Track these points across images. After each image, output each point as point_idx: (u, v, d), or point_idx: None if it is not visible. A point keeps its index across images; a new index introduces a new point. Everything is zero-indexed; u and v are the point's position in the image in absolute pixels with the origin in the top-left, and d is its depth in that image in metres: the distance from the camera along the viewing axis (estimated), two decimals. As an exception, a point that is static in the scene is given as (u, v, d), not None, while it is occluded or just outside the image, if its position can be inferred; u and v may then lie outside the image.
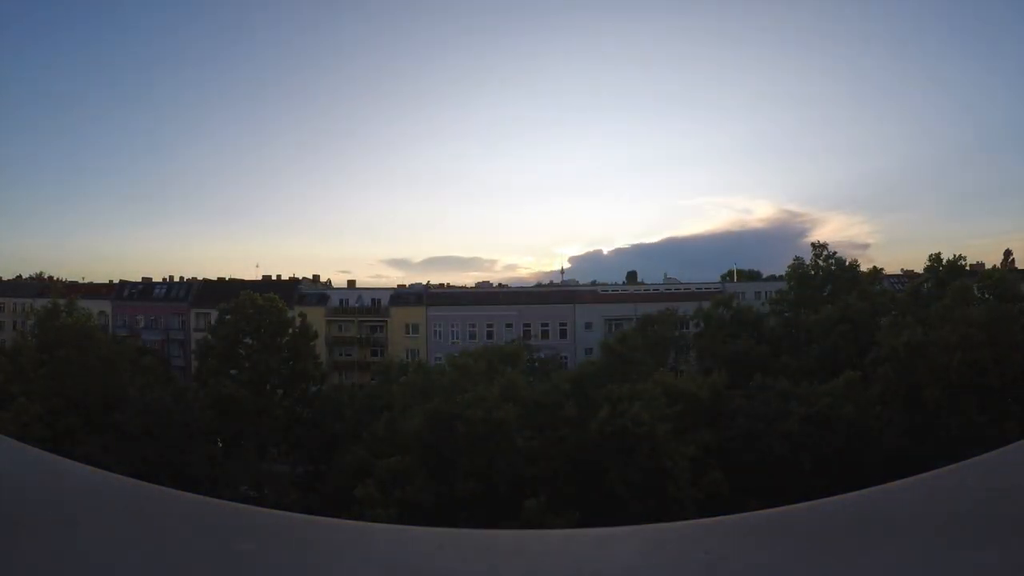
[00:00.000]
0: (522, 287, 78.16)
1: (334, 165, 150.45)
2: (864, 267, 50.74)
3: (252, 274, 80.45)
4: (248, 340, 41.67)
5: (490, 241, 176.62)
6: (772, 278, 72.59)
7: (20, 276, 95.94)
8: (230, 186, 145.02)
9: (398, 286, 76.50)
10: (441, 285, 79.35)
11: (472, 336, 62.37)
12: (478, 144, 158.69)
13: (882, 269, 53.28)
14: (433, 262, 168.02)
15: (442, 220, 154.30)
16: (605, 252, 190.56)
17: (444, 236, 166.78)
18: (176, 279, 78.73)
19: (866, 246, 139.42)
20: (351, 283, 77.83)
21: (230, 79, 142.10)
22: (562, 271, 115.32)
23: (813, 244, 50.22)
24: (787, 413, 30.48)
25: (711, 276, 76.97)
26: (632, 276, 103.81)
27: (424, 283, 78.72)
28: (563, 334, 64.74)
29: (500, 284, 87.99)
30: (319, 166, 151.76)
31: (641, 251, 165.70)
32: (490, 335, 61.19)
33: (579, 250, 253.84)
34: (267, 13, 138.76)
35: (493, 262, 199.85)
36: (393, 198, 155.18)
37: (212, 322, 46.65)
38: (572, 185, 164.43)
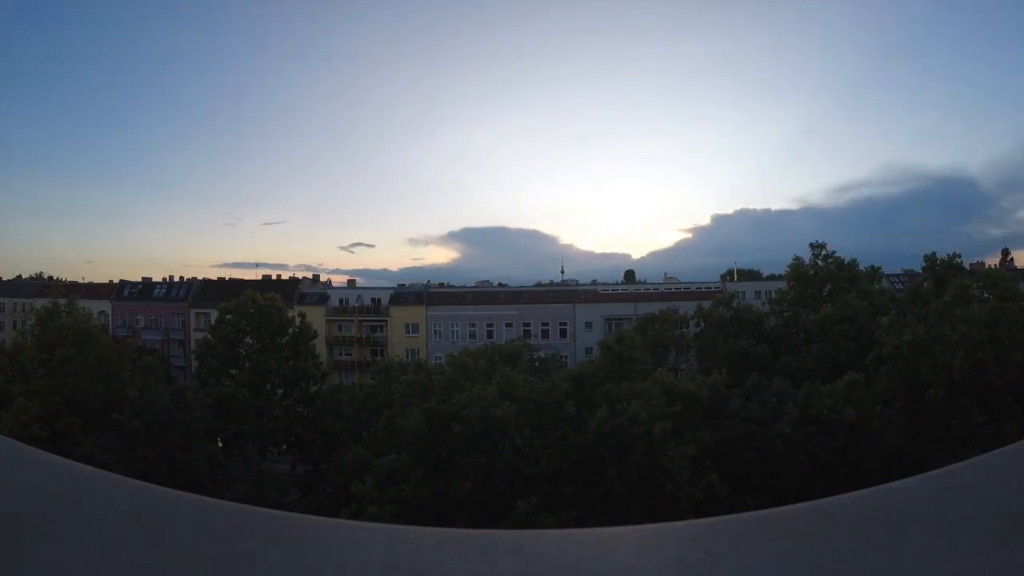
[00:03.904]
0: (522, 287, 78.12)
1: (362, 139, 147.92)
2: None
3: (252, 274, 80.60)
4: (248, 340, 41.67)
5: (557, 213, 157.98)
6: (772, 277, 72.64)
7: (20, 276, 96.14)
8: (232, 181, 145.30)
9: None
10: (441, 280, 79.29)
11: (472, 336, 62.41)
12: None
13: (880, 268, 53.01)
14: (464, 234, 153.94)
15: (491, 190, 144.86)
16: (758, 209, 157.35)
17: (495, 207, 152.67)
18: (176, 279, 78.83)
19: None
20: (351, 282, 78.00)
21: (230, 70, 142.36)
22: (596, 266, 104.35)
23: (812, 244, 50.12)
24: (781, 414, 30.45)
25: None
26: (631, 275, 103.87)
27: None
28: (563, 334, 64.78)
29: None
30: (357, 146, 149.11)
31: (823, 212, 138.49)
32: (490, 335, 61.24)
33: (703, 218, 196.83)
34: (269, 8, 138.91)
35: (553, 238, 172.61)
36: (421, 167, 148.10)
37: (212, 322, 46.63)
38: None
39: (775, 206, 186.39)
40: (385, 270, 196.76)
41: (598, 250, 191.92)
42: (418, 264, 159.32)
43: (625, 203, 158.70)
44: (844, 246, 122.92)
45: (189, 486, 23.10)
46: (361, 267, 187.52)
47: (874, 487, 1.74)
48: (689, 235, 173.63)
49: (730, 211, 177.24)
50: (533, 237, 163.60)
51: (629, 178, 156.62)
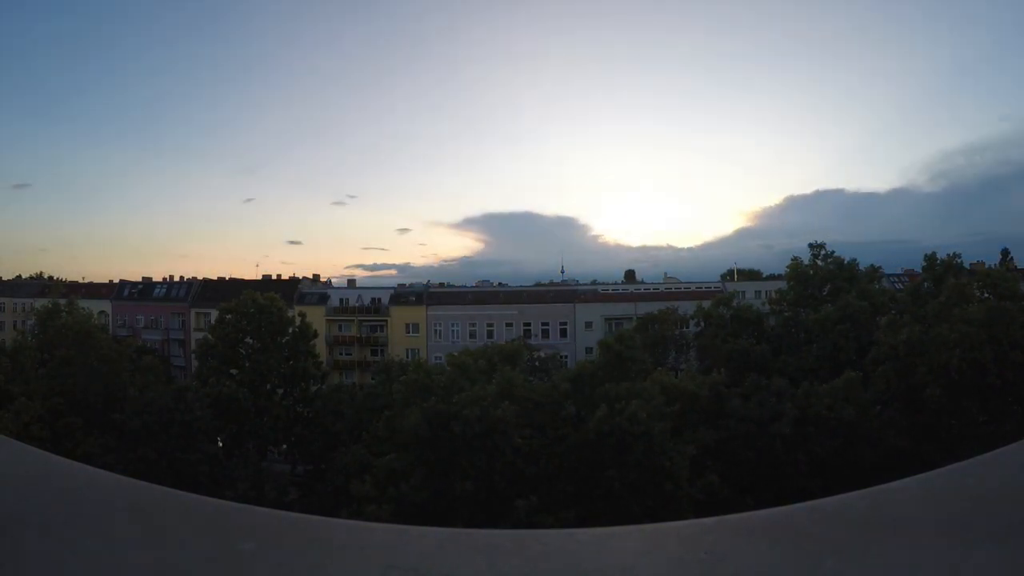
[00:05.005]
0: (523, 286, 78.18)
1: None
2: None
3: (252, 273, 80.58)
4: (248, 340, 41.66)
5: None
6: (772, 277, 72.66)
7: (20, 276, 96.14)
8: (235, 169, 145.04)
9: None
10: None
11: (472, 335, 62.41)
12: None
13: (880, 267, 52.99)
14: (487, 220, 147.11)
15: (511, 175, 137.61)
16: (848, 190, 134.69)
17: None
18: (176, 279, 78.84)
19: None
20: (351, 282, 78.04)
21: (230, 67, 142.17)
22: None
23: (811, 244, 50.14)
24: (780, 414, 30.45)
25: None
26: (631, 275, 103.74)
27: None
28: (563, 333, 64.79)
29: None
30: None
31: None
32: (490, 334, 61.23)
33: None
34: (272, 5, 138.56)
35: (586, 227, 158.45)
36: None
37: (212, 322, 46.63)
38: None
39: (865, 185, 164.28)
40: (408, 264, 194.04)
41: (637, 243, 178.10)
42: (453, 256, 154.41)
43: (677, 189, 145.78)
44: (933, 228, 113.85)
45: (189, 486, 23.07)
46: (392, 262, 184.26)
47: (874, 487, 1.74)
48: (753, 223, 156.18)
49: (808, 191, 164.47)
50: (569, 225, 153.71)
51: (684, 161, 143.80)
